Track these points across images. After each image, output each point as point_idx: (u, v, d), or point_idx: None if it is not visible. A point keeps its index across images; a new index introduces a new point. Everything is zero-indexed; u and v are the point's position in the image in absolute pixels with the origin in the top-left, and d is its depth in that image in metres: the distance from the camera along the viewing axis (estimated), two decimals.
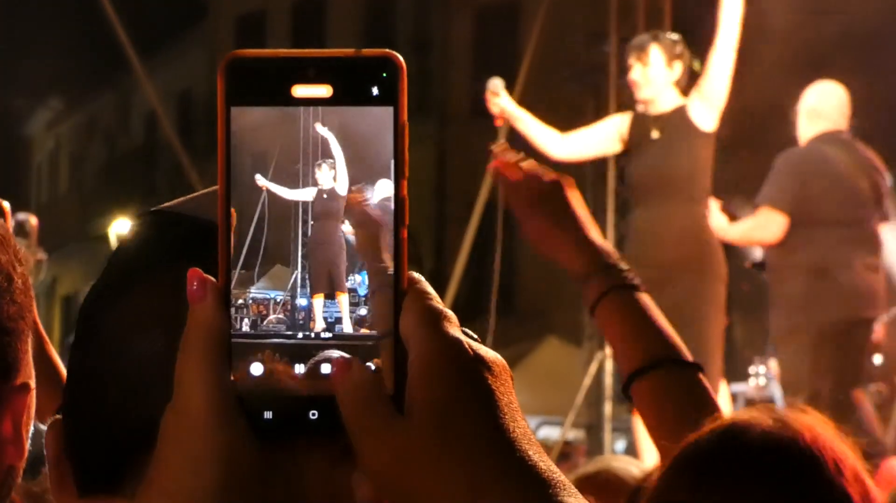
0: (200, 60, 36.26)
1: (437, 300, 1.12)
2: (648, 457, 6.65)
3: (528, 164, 2.87)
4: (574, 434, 12.91)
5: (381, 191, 1.13)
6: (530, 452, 1.07)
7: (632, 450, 9.69)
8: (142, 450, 1.19)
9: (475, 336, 1.10)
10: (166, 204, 1.38)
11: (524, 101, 14.16)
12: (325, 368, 1.10)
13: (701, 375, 2.63)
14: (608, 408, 11.78)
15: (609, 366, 11.78)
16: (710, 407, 2.53)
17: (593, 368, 11.82)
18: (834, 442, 2.19)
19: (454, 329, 1.10)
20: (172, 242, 1.33)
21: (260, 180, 1.14)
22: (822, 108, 9.17)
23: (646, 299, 2.71)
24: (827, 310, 8.37)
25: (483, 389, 1.08)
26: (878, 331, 10.12)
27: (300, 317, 1.14)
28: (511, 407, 1.09)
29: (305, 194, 1.16)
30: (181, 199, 1.38)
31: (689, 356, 2.64)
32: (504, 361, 1.11)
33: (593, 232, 2.80)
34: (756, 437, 2.25)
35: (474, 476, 1.06)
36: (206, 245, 1.14)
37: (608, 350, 11.48)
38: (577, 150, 8.95)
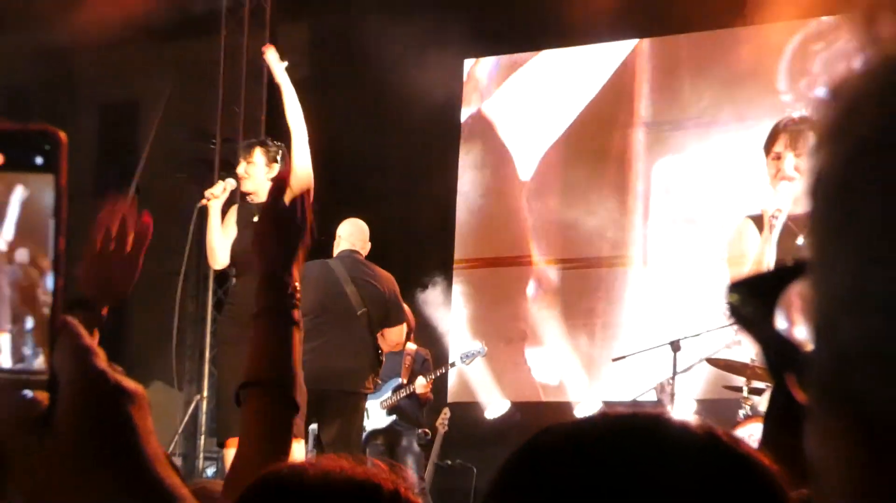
0: None
1: (86, 338, 1.09)
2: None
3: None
4: (174, 460, 12.82)
5: (21, 257, 1.10)
6: (160, 469, 1.06)
7: (221, 474, 9.61)
8: None
9: (120, 369, 1.09)
10: None
11: (144, 187, 14.00)
12: None
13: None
14: (202, 441, 11.75)
15: (203, 405, 11.81)
16: None
17: (191, 408, 11.80)
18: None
19: (100, 362, 1.08)
20: None
21: None
22: (346, 233, 9.70)
23: None
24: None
25: (121, 414, 1.06)
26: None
27: None
28: (146, 430, 1.07)
29: None
30: None
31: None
32: (143, 390, 1.09)
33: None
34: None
35: (107, 487, 1.05)
36: None
37: (204, 393, 11.48)
38: (222, 246, 8.93)
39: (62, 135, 1.11)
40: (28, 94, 20.58)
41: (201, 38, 14.29)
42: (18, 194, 1.11)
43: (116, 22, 11.97)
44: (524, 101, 13.96)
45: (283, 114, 9.06)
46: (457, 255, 14.00)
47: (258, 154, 8.86)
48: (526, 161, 13.82)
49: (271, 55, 9.41)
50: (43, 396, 1.07)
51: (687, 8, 12.24)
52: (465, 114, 14.17)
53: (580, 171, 13.43)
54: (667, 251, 12.87)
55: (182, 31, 14.31)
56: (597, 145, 13.46)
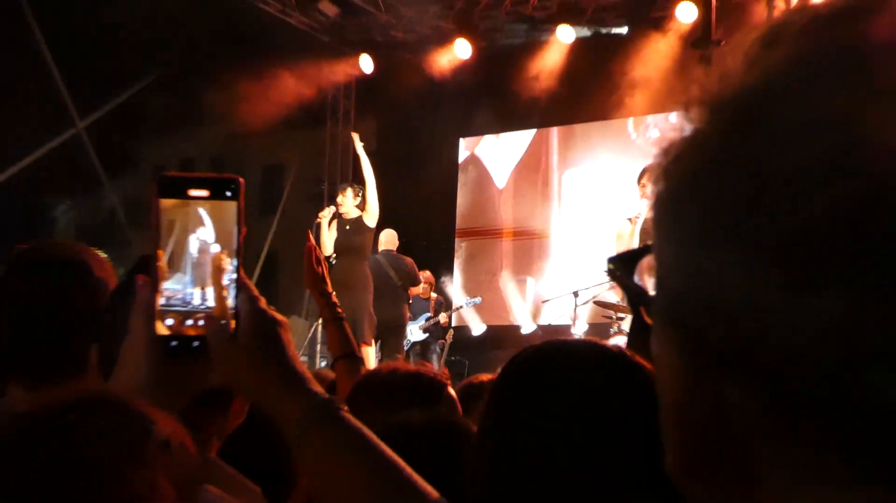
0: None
1: (255, 290, 1.09)
2: None
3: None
4: (302, 359, 12.83)
5: (215, 249, 1.10)
6: (297, 365, 1.06)
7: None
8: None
9: (274, 308, 1.09)
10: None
11: (286, 211, 14.00)
12: (202, 322, 1.07)
13: None
14: (318, 348, 11.74)
15: (319, 328, 11.78)
16: None
17: (311, 330, 11.82)
18: None
19: (262, 304, 1.08)
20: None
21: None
22: (384, 239, 9.78)
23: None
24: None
25: (276, 334, 1.07)
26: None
27: (189, 298, 1.09)
28: (289, 342, 1.07)
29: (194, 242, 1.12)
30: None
31: None
32: (287, 320, 1.10)
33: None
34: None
35: (271, 376, 1.04)
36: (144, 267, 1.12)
37: (319, 321, 11.48)
38: (330, 241, 8.98)
39: (241, 179, 1.11)
40: (222, 160, 20.77)
41: (316, 128, 14.29)
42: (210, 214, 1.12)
43: (269, 118, 12.02)
44: (498, 147, 13.97)
45: (362, 170, 9.20)
46: (457, 226, 14.01)
47: (348, 191, 9.01)
48: (500, 178, 13.80)
49: (357, 139, 9.48)
50: (232, 324, 1.07)
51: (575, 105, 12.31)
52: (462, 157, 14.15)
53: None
54: (571, 231, 12.86)
55: (305, 124, 14.32)
56: (532, 169, 13.48)
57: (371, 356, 8.52)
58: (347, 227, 8.89)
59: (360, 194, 8.96)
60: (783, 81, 0.50)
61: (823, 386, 0.47)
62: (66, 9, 12.87)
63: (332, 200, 9.91)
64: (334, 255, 9.10)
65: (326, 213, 9.03)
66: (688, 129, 0.54)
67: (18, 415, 0.67)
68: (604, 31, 11.79)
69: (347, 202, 8.92)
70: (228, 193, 1.10)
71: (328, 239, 8.93)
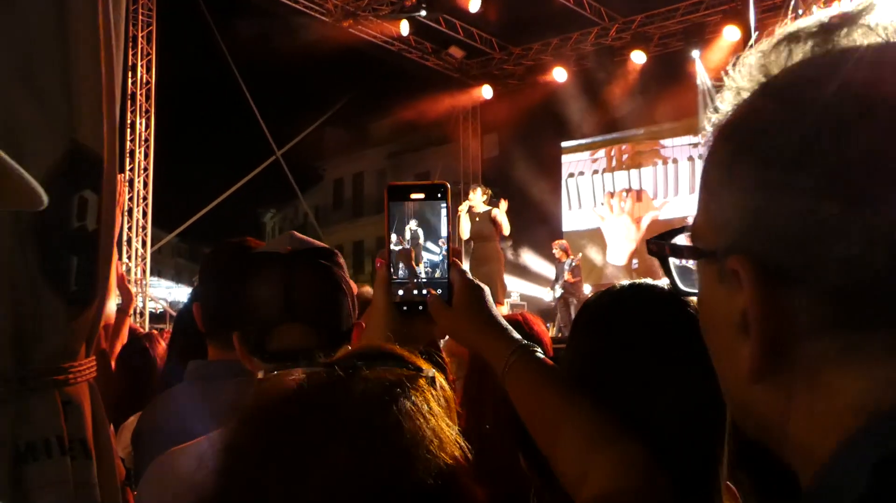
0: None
1: (461, 266, 1.08)
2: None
3: None
4: None
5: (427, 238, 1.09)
6: (499, 319, 1.03)
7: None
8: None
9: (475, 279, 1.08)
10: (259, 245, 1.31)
11: None
12: (425, 292, 1.06)
13: None
14: None
15: None
16: None
17: None
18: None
19: (469, 276, 1.07)
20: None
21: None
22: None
23: None
24: None
25: (482, 298, 1.04)
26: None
27: (412, 274, 1.08)
28: (491, 304, 1.04)
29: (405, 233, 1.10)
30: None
31: None
32: (488, 288, 1.07)
33: None
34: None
35: (481, 329, 1.02)
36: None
37: None
38: (466, 229, 8.75)
39: (447, 184, 1.08)
40: (384, 172, 21.01)
41: (451, 142, 14.31)
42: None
43: (417, 138, 12.15)
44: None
45: (492, 175, 9.01)
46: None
47: (478, 190, 8.80)
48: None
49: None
50: (444, 293, 1.06)
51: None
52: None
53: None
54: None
55: (443, 140, 14.37)
56: None
57: (503, 312, 8.45)
58: (477, 219, 8.77)
59: (487, 192, 8.84)
60: (814, 73, 0.51)
61: (876, 282, 0.47)
62: (264, 65, 13.36)
63: (465, 196, 9.86)
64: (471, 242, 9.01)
65: (463, 207, 8.97)
66: (737, 105, 0.53)
67: (328, 363, 0.72)
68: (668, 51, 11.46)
69: (476, 199, 8.75)
70: (439, 195, 1.08)
71: (465, 227, 8.89)
